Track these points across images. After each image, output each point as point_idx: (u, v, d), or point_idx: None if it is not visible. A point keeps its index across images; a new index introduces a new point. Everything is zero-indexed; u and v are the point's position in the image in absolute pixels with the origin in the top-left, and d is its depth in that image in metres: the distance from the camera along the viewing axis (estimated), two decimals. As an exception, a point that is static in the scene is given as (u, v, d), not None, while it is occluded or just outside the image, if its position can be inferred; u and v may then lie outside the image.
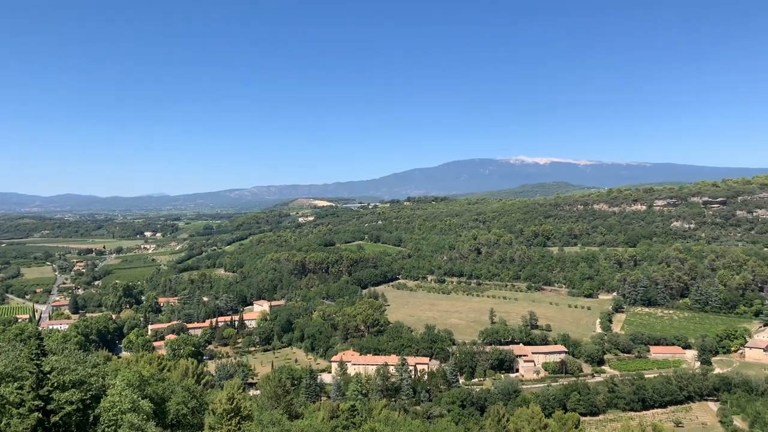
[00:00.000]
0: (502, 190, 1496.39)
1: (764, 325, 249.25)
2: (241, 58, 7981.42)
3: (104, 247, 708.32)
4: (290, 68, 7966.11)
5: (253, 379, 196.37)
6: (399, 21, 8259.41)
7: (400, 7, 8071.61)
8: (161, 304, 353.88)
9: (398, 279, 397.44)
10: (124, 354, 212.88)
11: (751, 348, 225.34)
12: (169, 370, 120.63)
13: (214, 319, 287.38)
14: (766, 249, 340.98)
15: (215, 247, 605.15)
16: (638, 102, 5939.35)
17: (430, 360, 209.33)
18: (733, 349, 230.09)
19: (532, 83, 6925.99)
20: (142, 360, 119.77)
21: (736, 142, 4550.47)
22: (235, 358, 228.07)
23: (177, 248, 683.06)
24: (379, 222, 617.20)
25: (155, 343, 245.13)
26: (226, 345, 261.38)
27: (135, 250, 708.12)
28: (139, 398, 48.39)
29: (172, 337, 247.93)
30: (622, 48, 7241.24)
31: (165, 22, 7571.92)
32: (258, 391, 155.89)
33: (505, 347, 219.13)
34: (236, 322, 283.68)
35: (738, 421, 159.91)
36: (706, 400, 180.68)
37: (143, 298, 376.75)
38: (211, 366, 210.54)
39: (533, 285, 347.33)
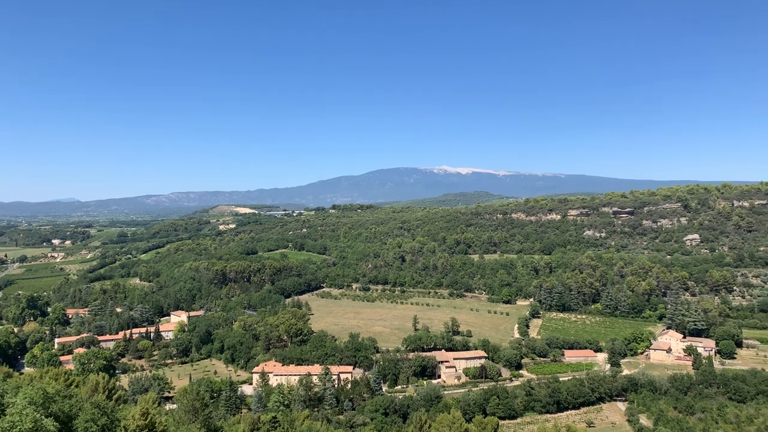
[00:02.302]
0: (426, 198, 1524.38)
1: (667, 328, 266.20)
2: (154, 57, 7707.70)
3: (5, 256, 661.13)
4: (210, 69, 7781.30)
5: (169, 392, 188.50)
6: (322, 26, 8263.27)
7: (321, 12, 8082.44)
8: (70, 316, 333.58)
9: (323, 287, 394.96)
10: (27, 370, 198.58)
11: (655, 350, 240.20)
12: (77, 386, 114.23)
13: (128, 331, 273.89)
14: (668, 257, 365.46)
15: (130, 256, 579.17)
16: (552, 118, 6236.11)
17: (353, 368, 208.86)
18: (639, 351, 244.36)
19: (457, 96, 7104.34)
20: (46, 376, 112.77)
21: (643, 157, 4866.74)
22: (150, 372, 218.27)
23: (88, 257, 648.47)
24: (304, 230, 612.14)
25: (63, 358, 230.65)
26: (141, 358, 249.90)
27: (41, 258, 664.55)
28: (43, 417, 45.33)
29: (81, 350, 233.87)
30: (535, 68, 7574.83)
31: (71, 17, 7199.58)
32: (175, 405, 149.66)
33: (428, 354, 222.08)
34: (152, 334, 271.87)
35: (644, 420, 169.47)
36: (616, 400, 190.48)
37: (50, 309, 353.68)
38: (125, 380, 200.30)
39: (455, 292, 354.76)
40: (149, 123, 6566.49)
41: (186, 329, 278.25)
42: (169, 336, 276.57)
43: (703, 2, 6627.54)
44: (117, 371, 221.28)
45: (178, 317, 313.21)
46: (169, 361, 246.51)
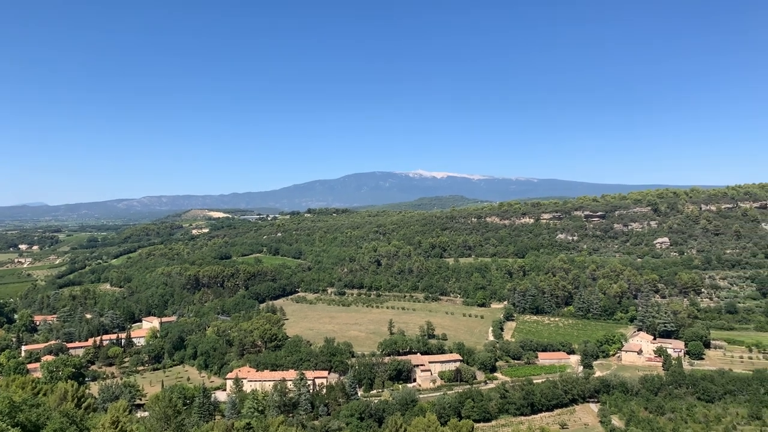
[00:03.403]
0: (402, 202, 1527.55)
1: (638, 330, 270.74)
2: (127, 58, 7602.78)
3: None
4: (182, 72, 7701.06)
5: (141, 400, 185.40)
6: (300, 30, 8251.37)
7: (293, 16, 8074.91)
8: (37, 323, 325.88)
9: (298, 292, 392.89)
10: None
11: (626, 351, 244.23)
12: (45, 394, 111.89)
13: (98, 338, 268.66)
14: (639, 260, 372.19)
15: (100, 261, 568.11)
16: (525, 123, 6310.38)
17: (329, 373, 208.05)
18: (611, 353, 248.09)
19: (432, 100, 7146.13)
20: (13, 384, 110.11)
21: (614, 161, 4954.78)
22: (121, 379, 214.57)
23: (57, 262, 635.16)
24: (279, 234, 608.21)
25: (30, 366, 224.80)
26: (111, 365, 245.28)
27: (7, 264, 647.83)
28: (9, 426, 44.22)
29: (49, 358, 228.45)
30: (506, 74, 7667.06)
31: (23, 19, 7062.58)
32: (146, 413, 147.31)
33: (404, 357, 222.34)
34: (123, 341, 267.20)
35: (616, 421, 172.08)
36: (588, 402, 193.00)
37: (16, 316, 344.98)
38: (95, 388, 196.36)
39: (430, 295, 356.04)
40: (120, 126, 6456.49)
41: (158, 335, 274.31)
42: (140, 342, 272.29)
43: (666, 4, 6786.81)
44: (87, 379, 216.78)
45: (150, 323, 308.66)
46: (141, 367, 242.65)
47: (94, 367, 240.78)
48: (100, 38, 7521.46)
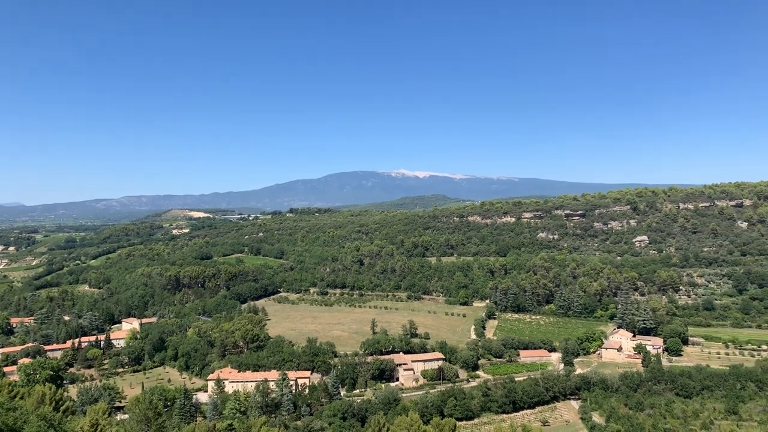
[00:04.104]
0: (384, 202, 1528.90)
1: (618, 327, 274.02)
2: (103, 57, 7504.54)
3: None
4: (163, 71, 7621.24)
5: (121, 402, 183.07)
6: (281, 31, 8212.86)
7: (284, 15, 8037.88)
8: (14, 325, 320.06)
9: (280, 292, 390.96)
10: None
11: (607, 349, 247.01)
12: (22, 398, 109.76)
13: (77, 340, 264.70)
14: (619, 258, 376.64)
15: (79, 262, 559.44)
16: (507, 123, 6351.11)
17: (311, 373, 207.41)
18: (592, 350, 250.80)
19: (414, 100, 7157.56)
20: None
21: (594, 161, 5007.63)
22: (100, 381, 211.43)
23: (34, 263, 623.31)
24: (260, 234, 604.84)
25: (6, 369, 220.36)
26: (90, 367, 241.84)
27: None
28: (-17, 432, 43.24)
29: (26, 360, 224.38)
30: (487, 73, 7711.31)
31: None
32: (126, 416, 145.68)
33: (386, 357, 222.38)
34: (102, 342, 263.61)
35: (596, 417, 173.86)
36: (569, 399, 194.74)
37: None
38: (73, 391, 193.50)
39: (413, 294, 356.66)
40: (98, 125, 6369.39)
41: (138, 337, 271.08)
42: (120, 344, 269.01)
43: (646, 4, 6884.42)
44: (65, 382, 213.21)
45: (130, 324, 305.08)
46: (121, 369, 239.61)
47: (72, 370, 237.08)
48: (74, 36, 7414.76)
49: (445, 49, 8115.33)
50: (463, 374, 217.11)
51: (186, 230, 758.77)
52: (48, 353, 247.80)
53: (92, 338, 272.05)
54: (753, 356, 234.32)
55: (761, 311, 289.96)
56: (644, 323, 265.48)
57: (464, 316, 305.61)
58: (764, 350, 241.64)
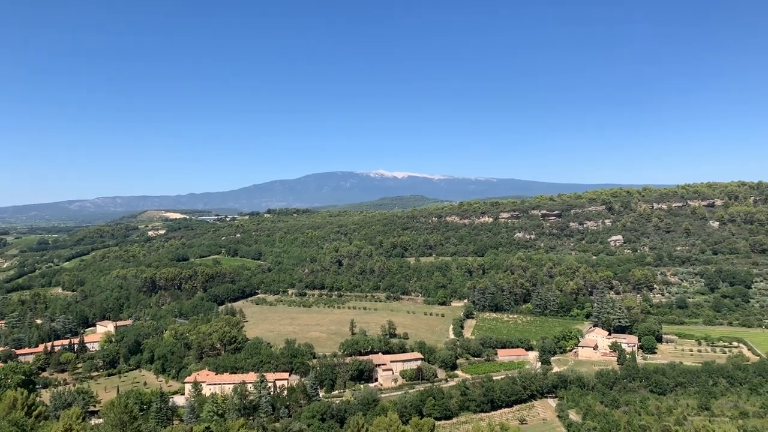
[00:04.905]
0: (363, 202, 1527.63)
1: (594, 326, 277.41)
2: (74, 56, 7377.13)
3: None
4: (140, 72, 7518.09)
5: (95, 406, 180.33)
6: (260, 32, 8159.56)
7: (264, 16, 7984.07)
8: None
9: (257, 294, 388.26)
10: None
11: (583, 347, 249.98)
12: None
13: (50, 344, 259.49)
14: (594, 257, 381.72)
15: (52, 264, 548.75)
16: (484, 123, 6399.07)
17: (290, 375, 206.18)
18: (568, 348, 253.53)
19: (392, 100, 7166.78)
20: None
21: (570, 161, 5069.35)
22: (74, 385, 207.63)
23: (5, 266, 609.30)
24: (238, 235, 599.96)
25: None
26: (63, 371, 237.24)
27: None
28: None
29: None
30: (466, 75, 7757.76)
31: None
32: (101, 420, 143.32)
33: (365, 357, 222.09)
34: (76, 346, 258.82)
35: (573, 415, 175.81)
36: (547, 397, 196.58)
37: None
38: (46, 396, 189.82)
39: (392, 295, 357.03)
40: (72, 124, 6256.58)
41: (113, 340, 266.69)
42: (94, 347, 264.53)
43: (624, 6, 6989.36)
44: (37, 386, 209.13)
45: (105, 327, 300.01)
46: (95, 373, 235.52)
47: (45, 374, 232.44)
48: (49, 36, 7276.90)
49: (425, 50, 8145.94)
50: (441, 374, 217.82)
51: (162, 231, 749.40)
52: (20, 357, 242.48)
53: (66, 342, 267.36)
54: (724, 353, 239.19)
55: (732, 309, 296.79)
56: (619, 322, 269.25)
57: (443, 315, 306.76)
58: (735, 347, 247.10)
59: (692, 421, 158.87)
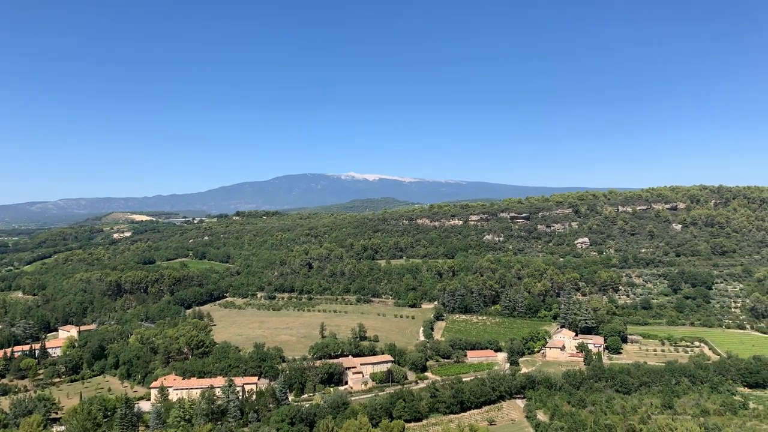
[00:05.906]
0: (334, 205, 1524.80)
1: (561, 327, 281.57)
2: (34, 54, 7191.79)
3: None
4: (102, 66, 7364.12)
5: (57, 413, 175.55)
6: (228, 35, 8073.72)
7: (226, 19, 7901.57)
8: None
9: (226, 297, 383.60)
10: None
11: (550, 348, 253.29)
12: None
13: (9, 349, 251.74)
14: (561, 259, 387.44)
15: (12, 267, 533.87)
16: (454, 126, 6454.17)
17: (259, 379, 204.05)
18: (536, 349, 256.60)
19: (364, 101, 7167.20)
20: None
21: (537, 165, 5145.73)
22: (35, 392, 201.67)
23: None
24: (206, 238, 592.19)
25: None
26: (24, 378, 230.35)
27: None
28: None
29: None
30: (436, 78, 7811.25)
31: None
32: (63, 427, 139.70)
33: (335, 360, 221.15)
34: (37, 351, 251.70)
35: (541, 415, 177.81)
36: (515, 397, 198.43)
37: None
38: (6, 403, 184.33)
39: (362, 297, 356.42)
40: (33, 123, 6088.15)
41: (76, 345, 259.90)
42: (57, 353, 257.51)
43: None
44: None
45: (68, 332, 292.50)
46: (57, 379, 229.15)
47: (5, 381, 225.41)
48: (14, 36, 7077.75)
49: (396, 53, 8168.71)
50: (412, 376, 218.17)
51: (128, 234, 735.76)
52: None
53: (26, 347, 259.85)
54: (687, 352, 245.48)
55: (694, 309, 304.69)
56: (586, 322, 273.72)
57: (413, 318, 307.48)
58: (697, 347, 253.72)
59: (656, 419, 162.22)
